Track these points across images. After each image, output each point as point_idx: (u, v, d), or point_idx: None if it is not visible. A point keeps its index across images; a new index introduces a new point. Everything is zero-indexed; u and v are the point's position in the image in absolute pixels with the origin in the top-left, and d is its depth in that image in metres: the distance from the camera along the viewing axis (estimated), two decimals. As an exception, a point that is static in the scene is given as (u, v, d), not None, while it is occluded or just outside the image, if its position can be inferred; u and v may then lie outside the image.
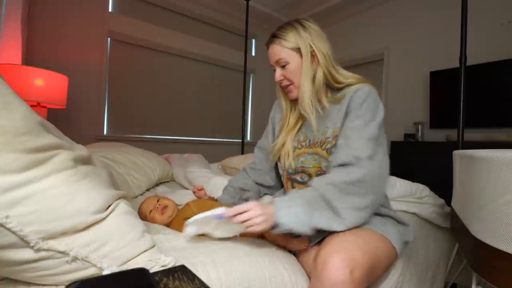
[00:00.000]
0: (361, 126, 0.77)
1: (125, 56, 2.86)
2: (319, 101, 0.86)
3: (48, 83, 1.76)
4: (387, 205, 0.88)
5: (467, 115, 1.34)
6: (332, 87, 0.87)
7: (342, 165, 0.75)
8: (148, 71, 3.02)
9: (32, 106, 1.55)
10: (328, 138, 0.84)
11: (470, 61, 1.44)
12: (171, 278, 0.42)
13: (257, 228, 0.65)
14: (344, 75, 0.86)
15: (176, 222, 0.86)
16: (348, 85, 0.85)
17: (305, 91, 0.84)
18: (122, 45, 2.84)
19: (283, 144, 0.94)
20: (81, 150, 0.60)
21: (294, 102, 0.94)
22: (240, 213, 0.65)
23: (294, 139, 0.93)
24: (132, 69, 2.91)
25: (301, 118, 0.94)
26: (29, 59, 2.18)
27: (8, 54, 1.83)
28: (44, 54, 2.34)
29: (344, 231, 0.71)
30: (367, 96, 0.80)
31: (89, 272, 0.50)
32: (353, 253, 0.62)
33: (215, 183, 1.33)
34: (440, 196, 1.32)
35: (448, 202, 1.15)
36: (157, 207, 0.89)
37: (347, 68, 0.89)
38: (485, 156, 0.64)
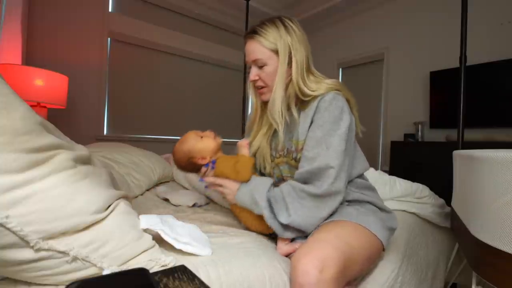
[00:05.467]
0: (322, 137, 0.75)
1: (125, 56, 2.86)
2: (289, 109, 0.84)
3: (48, 83, 1.76)
4: (369, 193, 0.86)
5: (467, 115, 1.34)
6: (299, 97, 0.84)
7: (306, 176, 0.75)
8: (148, 71, 3.02)
9: (32, 106, 1.55)
10: (291, 148, 0.83)
11: (470, 61, 1.44)
12: (171, 278, 0.42)
13: (226, 198, 0.84)
14: (312, 88, 0.81)
15: (224, 166, 0.86)
16: (314, 97, 0.81)
17: (276, 98, 0.81)
18: (122, 45, 2.84)
19: (258, 147, 0.92)
20: (81, 150, 0.60)
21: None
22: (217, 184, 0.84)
23: (272, 147, 0.91)
24: (132, 69, 2.91)
25: None
26: (29, 59, 2.18)
27: (8, 54, 1.83)
28: (44, 54, 2.34)
29: (320, 227, 0.74)
30: (329, 104, 0.77)
31: (89, 272, 0.50)
32: (323, 252, 0.61)
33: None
34: (440, 196, 1.32)
35: (448, 202, 1.15)
36: (208, 134, 0.89)
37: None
38: (485, 156, 0.64)
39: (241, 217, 0.88)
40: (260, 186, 0.79)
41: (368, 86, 3.36)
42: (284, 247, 0.78)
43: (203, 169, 0.89)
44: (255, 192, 0.78)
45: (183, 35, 3.23)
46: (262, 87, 0.85)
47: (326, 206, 0.74)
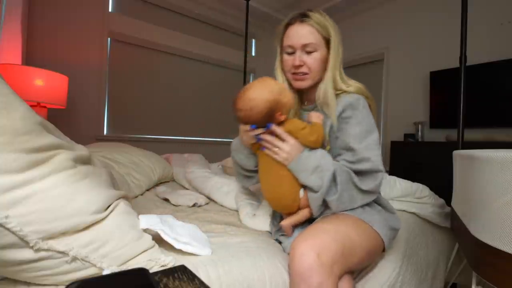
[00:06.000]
0: (363, 134, 0.78)
1: (125, 56, 2.86)
2: None
3: (48, 83, 1.76)
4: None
5: (467, 115, 1.34)
6: None
7: (359, 172, 0.76)
8: (148, 71, 3.02)
9: (32, 106, 1.55)
10: None
11: (470, 61, 1.44)
12: (171, 278, 0.42)
13: (275, 157, 0.76)
14: (349, 83, 0.86)
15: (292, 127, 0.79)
16: (344, 91, 0.84)
17: (329, 87, 0.82)
18: (122, 45, 2.84)
19: None
20: (81, 150, 0.60)
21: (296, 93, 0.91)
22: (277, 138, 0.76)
23: None
24: (132, 69, 2.91)
25: (297, 113, 0.92)
26: (29, 59, 2.18)
27: (8, 54, 1.83)
28: (44, 54, 2.34)
29: (323, 218, 0.77)
30: (363, 104, 0.81)
31: (89, 272, 0.50)
32: (322, 240, 0.63)
33: (215, 183, 1.33)
34: (440, 196, 1.32)
35: (448, 202, 1.15)
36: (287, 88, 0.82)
37: (347, 68, 0.89)
38: (485, 156, 0.64)
39: (272, 183, 0.80)
40: (327, 156, 0.76)
41: (368, 86, 3.30)
42: (289, 229, 0.79)
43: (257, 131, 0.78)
44: (323, 161, 0.74)
45: (183, 35, 3.23)
46: (304, 74, 0.83)
47: (361, 201, 0.76)
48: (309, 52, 0.81)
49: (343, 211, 0.77)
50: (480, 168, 0.67)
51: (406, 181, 1.28)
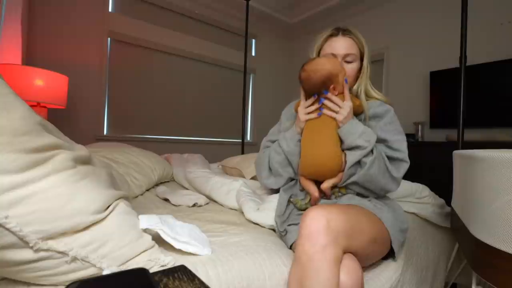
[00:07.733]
0: (395, 132, 0.88)
1: (125, 56, 2.86)
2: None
3: (48, 83, 1.76)
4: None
5: (467, 115, 1.35)
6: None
7: (390, 157, 0.86)
8: (148, 71, 3.02)
9: (32, 106, 1.55)
10: None
11: (470, 61, 1.44)
12: (171, 278, 0.42)
13: (336, 116, 0.84)
14: (377, 92, 0.97)
15: None
16: (376, 98, 0.95)
17: (363, 93, 0.94)
18: (122, 45, 2.84)
19: None
20: (81, 150, 0.60)
21: None
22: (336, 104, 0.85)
23: None
24: (132, 69, 2.91)
25: None
26: (29, 59, 2.18)
27: (8, 54, 1.83)
28: (44, 54, 2.34)
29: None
30: (393, 111, 0.92)
31: (88, 272, 0.50)
32: (333, 212, 0.67)
33: (215, 183, 1.33)
34: (440, 196, 1.32)
35: (448, 202, 1.15)
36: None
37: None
38: (485, 156, 0.64)
39: (321, 145, 0.86)
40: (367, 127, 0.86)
41: (368, 86, 3.34)
42: (329, 191, 0.87)
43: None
44: (367, 129, 0.83)
45: (183, 35, 3.23)
46: None
47: (383, 183, 0.84)
48: (348, 62, 0.92)
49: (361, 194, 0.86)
50: (480, 168, 0.67)
51: (406, 181, 1.28)
